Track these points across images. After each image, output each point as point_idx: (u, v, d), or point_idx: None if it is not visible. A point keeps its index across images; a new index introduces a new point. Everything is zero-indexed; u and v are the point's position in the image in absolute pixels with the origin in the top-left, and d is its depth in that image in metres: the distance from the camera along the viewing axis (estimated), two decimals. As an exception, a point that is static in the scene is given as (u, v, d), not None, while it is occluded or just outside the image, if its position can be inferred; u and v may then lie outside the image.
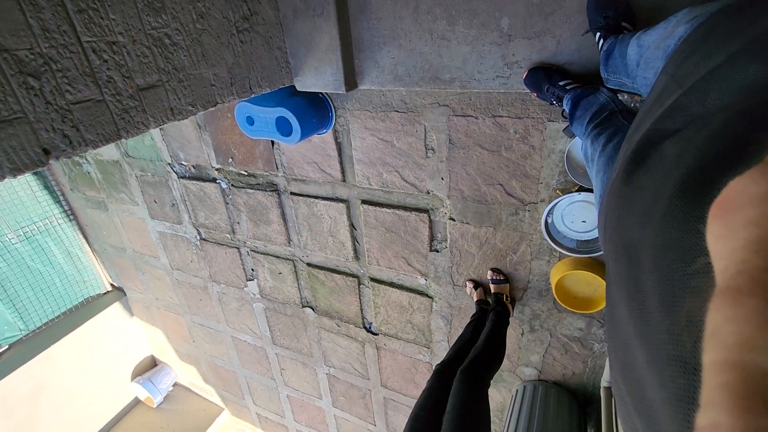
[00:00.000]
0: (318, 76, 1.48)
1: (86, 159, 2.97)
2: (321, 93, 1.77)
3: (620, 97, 1.09)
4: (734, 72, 0.37)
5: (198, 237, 2.84)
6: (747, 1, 0.44)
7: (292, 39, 1.43)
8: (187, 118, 1.16)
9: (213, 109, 1.23)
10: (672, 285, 0.28)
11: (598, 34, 1.12)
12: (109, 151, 2.80)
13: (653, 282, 0.32)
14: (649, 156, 0.41)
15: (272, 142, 2.11)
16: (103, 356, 3.72)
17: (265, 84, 1.39)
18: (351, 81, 1.51)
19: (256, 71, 1.34)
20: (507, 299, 1.87)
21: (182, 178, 2.59)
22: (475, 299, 1.95)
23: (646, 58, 0.67)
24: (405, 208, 1.95)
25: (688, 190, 0.31)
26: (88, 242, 3.54)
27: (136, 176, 2.79)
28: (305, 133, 1.70)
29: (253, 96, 1.36)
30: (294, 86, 1.56)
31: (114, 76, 0.92)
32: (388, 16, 1.37)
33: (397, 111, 1.68)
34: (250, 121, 1.76)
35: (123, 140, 1.03)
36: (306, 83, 1.52)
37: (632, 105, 1.27)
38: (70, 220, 3.40)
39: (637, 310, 0.33)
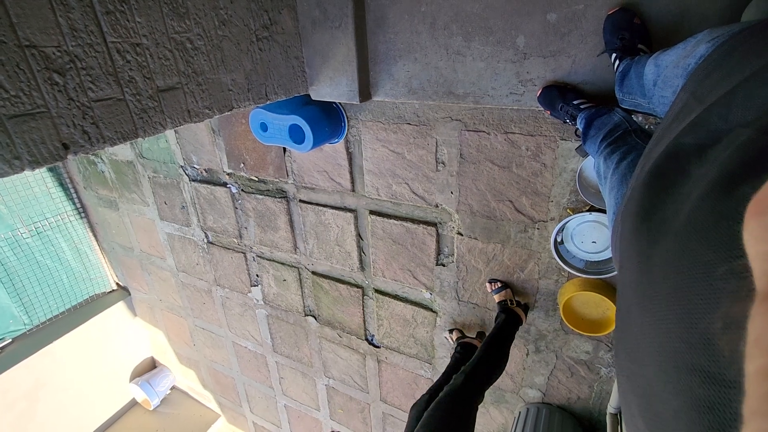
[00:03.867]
0: (333, 86, 1.50)
1: (101, 158, 3.03)
2: (335, 103, 1.79)
3: (635, 118, 1.09)
4: (758, 89, 0.36)
5: (205, 240, 2.85)
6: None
7: (309, 49, 1.45)
8: (203, 121, 1.18)
9: (229, 113, 1.25)
10: (695, 290, 0.27)
11: (614, 55, 1.12)
12: (124, 152, 2.85)
13: (670, 288, 0.30)
14: (669, 172, 0.40)
15: (284, 149, 2.13)
16: (104, 355, 3.72)
17: (281, 91, 1.41)
18: (365, 92, 1.53)
19: (273, 79, 1.36)
20: (513, 304, 1.79)
21: (194, 181, 2.62)
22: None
23: (664, 77, 0.67)
24: (413, 220, 1.94)
25: (712, 198, 0.31)
26: (97, 240, 3.58)
27: (149, 177, 2.83)
28: (317, 142, 1.71)
29: (268, 102, 1.38)
30: (309, 95, 1.59)
31: (135, 76, 0.94)
32: (405, 31, 1.39)
33: (409, 123, 1.70)
34: (264, 127, 1.78)
35: (139, 140, 1.05)
36: (321, 92, 1.54)
37: (647, 126, 1.26)
38: (82, 218, 3.45)
39: (649, 318, 0.32)
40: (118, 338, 3.83)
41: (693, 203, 0.33)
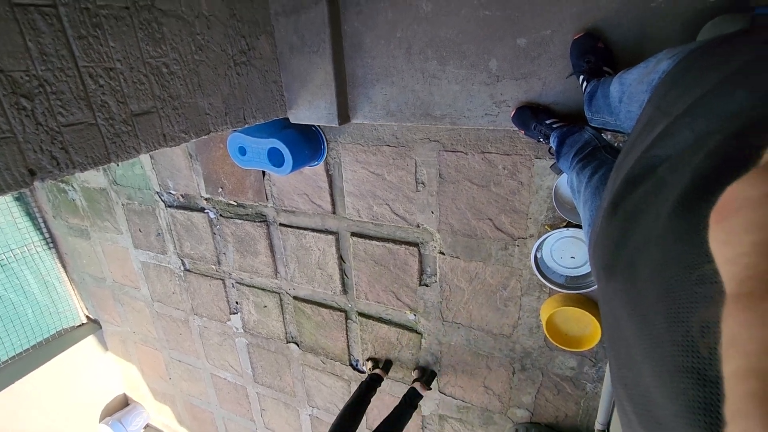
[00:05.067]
0: (312, 110, 1.51)
1: (72, 186, 2.93)
2: (314, 126, 1.80)
3: (604, 136, 1.13)
4: (720, 99, 0.38)
5: (182, 268, 2.76)
6: (720, 40, 0.47)
7: (287, 73, 1.47)
8: (179, 145, 1.16)
9: (206, 137, 1.23)
10: (676, 294, 0.28)
11: (581, 77, 1.18)
12: (96, 179, 2.77)
13: (655, 294, 0.31)
14: (644, 181, 0.42)
15: (263, 172, 2.11)
16: (72, 394, 3.49)
17: (260, 115, 1.41)
18: (344, 115, 1.54)
19: (251, 103, 1.37)
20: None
21: (170, 207, 2.55)
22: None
23: (629, 93, 0.70)
24: (395, 241, 1.94)
25: (687, 202, 0.32)
26: (66, 271, 3.42)
27: (123, 204, 2.75)
28: (297, 165, 1.71)
29: (246, 126, 1.37)
30: (287, 118, 1.59)
31: (108, 100, 0.93)
32: (382, 55, 1.43)
33: (388, 145, 1.72)
34: (243, 151, 1.77)
35: (112, 167, 1.02)
36: (300, 116, 1.55)
37: (615, 144, 1.31)
38: (50, 248, 3.30)
39: (638, 326, 0.33)
40: (87, 375, 3.61)
41: (670, 209, 0.34)
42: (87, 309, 3.61)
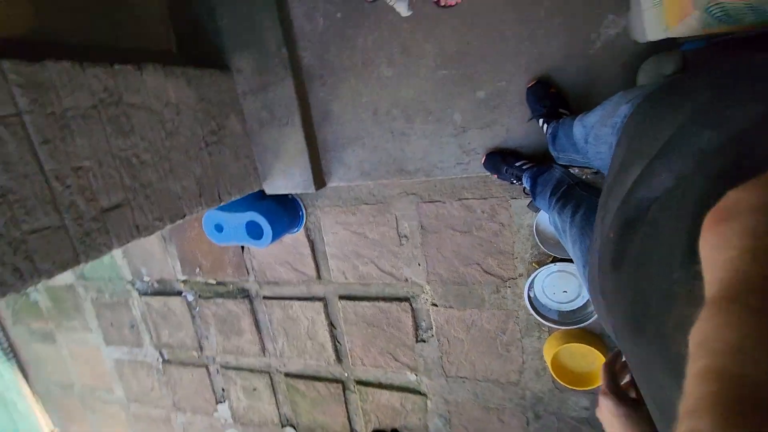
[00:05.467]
0: (287, 179, 1.52)
1: (35, 286, 2.74)
2: (290, 194, 1.80)
3: (572, 171, 1.18)
4: (689, 139, 0.40)
5: (160, 360, 2.56)
6: (673, 82, 0.51)
7: (259, 147, 1.48)
8: (153, 234, 1.12)
9: (181, 221, 1.20)
10: (658, 292, 0.29)
11: (541, 120, 1.25)
12: (62, 276, 2.61)
13: (640, 296, 0.33)
14: (637, 225, 0.42)
15: (242, 247, 2.06)
16: None
17: (234, 191, 1.40)
18: (319, 180, 1.55)
19: (225, 180, 1.36)
20: None
21: (144, 295, 2.42)
22: None
23: (595, 134, 0.74)
24: (385, 299, 1.88)
25: (686, 221, 0.32)
26: (28, 382, 3.10)
27: (92, 299, 2.58)
28: (276, 235, 1.68)
29: (221, 204, 1.35)
30: (263, 190, 1.58)
31: (77, 200, 0.89)
32: (351, 120, 1.47)
33: (366, 203, 1.72)
34: (219, 228, 1.72)
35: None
36: (275, 186, 1.54)
37: (584, 177, 1.37)
38: (9, 359, 3.00)
39: (639, 335, 0.35)
40: (54, 502, 3.15)
41: (666, 234, 0.35)
42: (53, 423, 3.24)
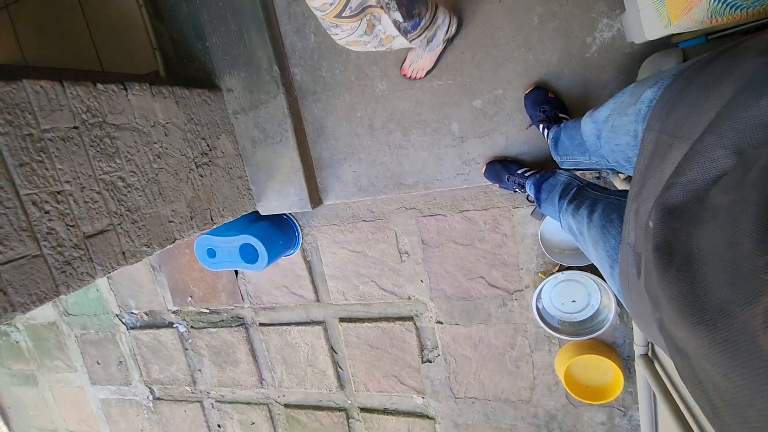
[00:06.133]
0: (282, 198, 1.46)
1: (15, 326, 2.60)
2: (285, 214, 1.74)
3: (578, 174, 1.15)
4: (744, 111, 0.36)
5: (151, 397, 2.42)
6: (708, 58, 0.48)
7: (252, 167, 1.43)
8: (141, 260, 1.05)
9: (171, 246, 1.13)
10: (738, 282, 0.26)
11: (541, 125, 1.22)
12: (43, 313, 2.48)
13: (718, 296, 0.30)
14: (692, 214, 0.38)
15: (236, 272, 1.98)
16: None
17: (227, 213, 1.34)
18: (315, 198, 1.50)
19: (217, 202, 1.30)
20: None
21: (132, 329, 2.30)
22: None
23: (611, 126, 0.71)
24: (387, 319, 1.81)
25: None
26: (9, 429, 2.90)
27: (76, 336, 2.45)
28: (272, 257, 1.61)
29: (214, 227, 1.29)
30: (257, 211, 1.53)
31: (56, 227, 0.82)
32: (345, 135, 1.44)
33: (365, 220, 1.67)
34: (212, 253, 1.65)
35: (62, 296, 0.88)
36: (269, 207, 1.49)
37: (593, 180, 1.34)
38: (-13, 406, 2.82)
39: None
40: None
41: (737, 219, 0.32)
42: (35, 472, 3.02)
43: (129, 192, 1.00)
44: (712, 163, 0.38)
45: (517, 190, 1.32)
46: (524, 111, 1.28)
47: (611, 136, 0.71)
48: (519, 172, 1.29)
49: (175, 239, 1.12)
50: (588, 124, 0.87)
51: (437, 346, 1.78)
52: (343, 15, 0.78)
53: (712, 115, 0.40)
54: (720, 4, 0.66)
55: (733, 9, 0.67)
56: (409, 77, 1.32)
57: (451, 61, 1.30)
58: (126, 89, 1.02)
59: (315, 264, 1.83)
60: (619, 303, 1.42)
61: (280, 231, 1.68)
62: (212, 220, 1.26)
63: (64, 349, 2.50)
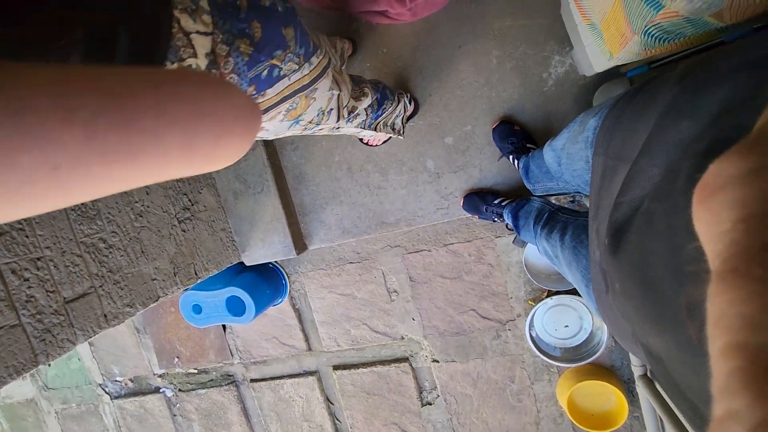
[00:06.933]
0: (266, 247, 1.47)
1: (-10, 407, 2.44)
2: (271, 262, 1.74)
3: (550, 200, 1.20)
4: (668, 134, 0.40)
5: (137, 472, 2.24)
6: (635, 89, 0.53)
7: (235, 218, 1.45)
8: (123, 321, 1.02)
9: (155, 304, 1.11)
10: (670, 275, 0.28)
11: (511, 156, 1.29)
12: (21, 390, 2.34)
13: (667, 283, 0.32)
14: (632, 224, 0.41)
15: (224, 327, 1.93)
16: None
17: (212, 266, 1.33)
18: (300, 244, 1.51)
19: (201, 256, 1.30)
20: None
21: (117, 398, 2.18)
22: None
23: (567, 153, 0.76)
24: (382, 362, 1.76)
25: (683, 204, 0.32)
26: None
27: (56, 412, 2.30)
28: (260, 308, 1.58)
29: (199, 282, 1.27)
30: (242, 262, 1.52)
31: (36, 294, 0.81)
32: (326, 180, 1.48)
33: (351, 262, 1.67)
34: (198, 309, 1.62)
35: (42, 369, 0.85)
36: (254, 256, 1.49)
37: (564, 205, 1.39)
38: (-44, 502, 2.56)
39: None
40: None
41: (663, 220, 0.35)
42: None
43: (111, 253, 1.00)
44: (649, 180, 0.41)
45: (495, 219, 1.35)
46: (494, 144, 1.34)
47: (569, 162, 0.76)
48: (495, 202, 1.33)
49: (159, 297, 1.11)
50: (548, 153, 0.92)
51: (436, 387, 1.73)
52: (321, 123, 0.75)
53: (644, 139, 0.45)
54: (650, 39, 0.74)
55: (662, 42, 0.74)
56: (366, 143, 1.39)
57: (421, 103, 1.38)
58: (107, 153, 1.05)
59: (304, 311, 1.80)
60: (610, 323, 1.43)
61: (266, 280, 1.67)
62: (196, 274, 1.25)
63: (43, 427, 2.34)
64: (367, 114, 0.93)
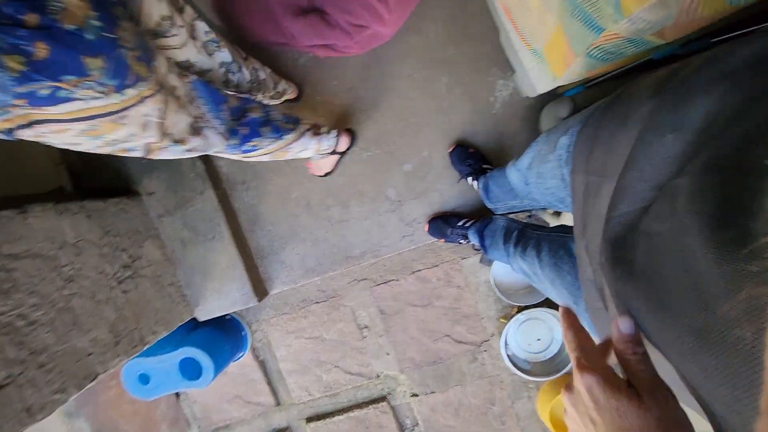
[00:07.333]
0: (223, 298, 1.34)
1: None
2: (228, 314, 1.58)
3: (514, 216, 1.22)
4: (653, 148, 0.40)
5: None
6: (609, 102, 0.54)
7: (185, 270, 1.31)
8: (53, 412, 0.85)
9: (92, 384, 0.94)
10: (720, 272, 0.26)
11: (470, 178, 1.30)
12: None
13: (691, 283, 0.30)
14: (631, 240, 0.40)
15: (177, 394, 1.71)
16: None
17: (161, 328, 1.18)
18: (261, 290, 1.40)
19: (147, 317, 1.14)
20: None
21: (45, 500, 1.82)
22: None
23: (537, 173, 0.76)
24: (359, 405, 1.65)
25: (713, 222, 0.30)
26: None
27: None
28: (219, 367, 1.42)
29: (146, 348, 1.11)
30: (195, 318, 1.37)
31: (-69, 397, 0.65)
32: (283, 219, 1.40)
33: (317, 302, 1.58)
34: (145, 379, 1.41)
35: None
36: (210, 310, 1.35)
37: (527, 220, 1.42)
38: None
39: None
40: None
41: (675, 238, 0.34)
42: None
43: (33, 330, 0.84)
44: (636, 195, 0.41)
45: (461, 241, 1.35)
46: (452, 167, 1.36)
47: (540, 181, 0.76)
48: (459, 224, 1.33)
49: (98, 374, 0.94)
50: (513, 173, 0.93)
51: (417, 423, 1.64)
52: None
53: (627, 153, 0.45)
54: (592, 60, 0.79)
55: (604, 62, 0.79)
56: (311, 173, 1.36)
57: (377, 132, 1.37)
58: (25, 213, 0.90)
59: (269, 362, 1.65)
60: (580, 331, 1.45)
61: (224, 334, 1.51)
62: (142, 340, 1.09)
63: None
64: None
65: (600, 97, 1.16)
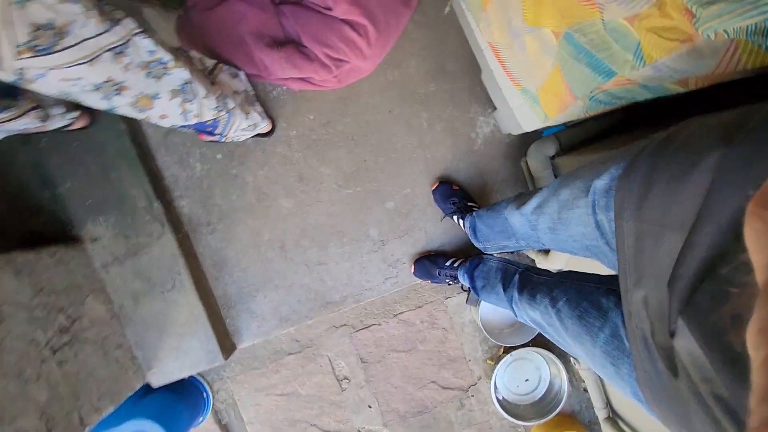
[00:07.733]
0: (182, 357, 1.16)
1: None
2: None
3: (505, 256, 1.17)
4: (733, 200, 0.36)
5: None
6: (661, 143, 0.49)
7: (136, 327, 1.12)
8: None
9: (14, 488, 0.74)
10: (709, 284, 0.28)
11: (455, 216, 1.25)
12: None
13: None
14: (718, 294, 0.34)
15: (120, 471, 1.44)
16: None
17: (106, 402, 0.98)
18: (228, 345, 1.23)
19: (89, 392, 0.94)
20: None
21: None
22: None
23: (562, 219, 0.70)
24: (338, 466, 1.48)
25: None
26: None
27: None
28: (176, 438, 1.21)
29: (88, 429, 0.91)
30: (148, 384, 1.17)
31: None
32: (254, 263, 1.26)
33: (290, 353, 1.42)
34: (81, 462, 1.17)
35: None
36: (167, 373, 1.16)
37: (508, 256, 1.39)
38: None
39: None
40: None
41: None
42: None
43: (-68, 431, 0.64)
44: (714, 250, 0.36)
45: (450, 282, 1.28)
46: (435, 204, 1.30)
47: (563, 228, 0.71)
48: (447, 264, 1.26)
49: (22, 476, 0.74)
50: (516, 217, 0.88)
51: (403, 481, 1.50)
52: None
53: (696, 204, 0.40)
54: (595, 103, 0.77)
55: (605, 105, 0.77)
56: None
57: (356, 169, 1.29)
58: (-72, 274, 0.71)
59: (234, 425, 1.45)
60: (568, 369, 1.42)
61: (181, 398, 1.31)
62: (83, 422, 0.89)
63: None
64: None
65: (583, 136, 1.17)
